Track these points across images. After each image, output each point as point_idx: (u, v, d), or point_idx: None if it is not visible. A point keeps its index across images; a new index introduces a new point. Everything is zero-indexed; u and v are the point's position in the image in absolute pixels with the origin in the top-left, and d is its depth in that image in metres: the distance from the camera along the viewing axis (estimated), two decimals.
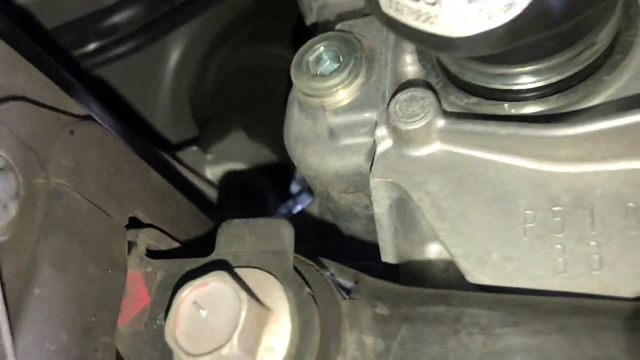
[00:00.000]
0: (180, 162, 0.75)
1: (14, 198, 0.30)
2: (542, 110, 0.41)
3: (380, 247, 0.45)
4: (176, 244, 0.41)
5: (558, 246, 0.36)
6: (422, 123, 0.41)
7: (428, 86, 0.43)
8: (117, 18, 0.86)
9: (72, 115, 0.37)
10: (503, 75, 0.40)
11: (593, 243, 0.36)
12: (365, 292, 0.35)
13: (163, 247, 0.41)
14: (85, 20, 0.83)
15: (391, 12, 0.34)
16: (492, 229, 0.38)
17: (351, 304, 0.34)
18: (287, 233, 0.35)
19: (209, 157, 0.84)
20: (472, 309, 0.32)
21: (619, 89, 0.40)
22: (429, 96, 0.41)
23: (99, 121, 0.40)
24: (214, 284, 0.31)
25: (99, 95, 0.83)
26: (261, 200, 0.85)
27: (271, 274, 0.33)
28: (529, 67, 0.39)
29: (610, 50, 0.41)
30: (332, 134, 0.49)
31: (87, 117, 0.39)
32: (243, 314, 0.29)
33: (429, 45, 0.35)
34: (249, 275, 0.33)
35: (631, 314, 0.31)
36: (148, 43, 0.90)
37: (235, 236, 0.35)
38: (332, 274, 0.37)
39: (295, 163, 0.53)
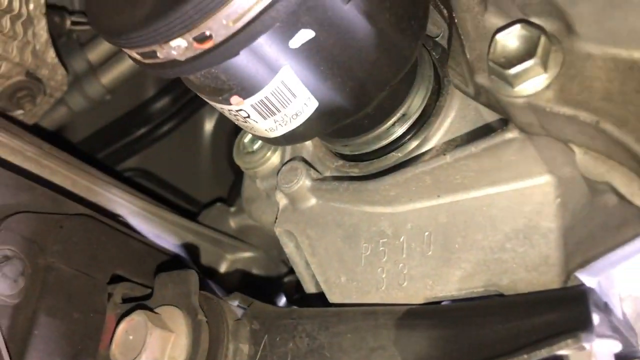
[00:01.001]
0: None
1: (21, 275, 0.51)
2: (382, 166, 0.54)
3: (300, 280, 0.61)
4: (148, 291, 0.61)
5: (379, 269, 0.50)
6: (296, 186, 0.56)
7: (303, 160, 0.59)
8: (158, 105, 1.09)
9: (67, 214, 0.58)
10: (347, 145, 0.55)
11: (402, 264, 0.49)
12: (249, 314, 0.52)
13: (138, 294, 0.60)
14: (131, 113, 1.07)
15: (238, 124, 0.51)
16: (342, 259, 0.53)
17: (236, 323, 0.51)
18: (192, 279, 0.53)
19: (232, 209, 1.01)
20: (303, 319, 0.48)
21: (435, 142, 0.53)
22: (300, 166, 0.57)
23: (93, 215, 0.60)
24: (137, 319, 0.49)
25: (147, 171, 1.06)
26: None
27: (178, 307, 0.51)
28: (360, 139, 0.54)
29: (428, 113, 0.54)
30: (267, 194, 0.66)
31: (79, 214, 0.59)
32: (148, 337, 0.48)
33: (264, 141, 0.51)
34: (164, 310, 0.51)
35: (400, 315, 0.45)
36: (186, 119, 1.12)
37: (163, 284, 0.53)
38: (238, 304, 0.54)
39: (249, 218, 0.70)
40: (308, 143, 0.62)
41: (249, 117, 0.47)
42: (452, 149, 0.46)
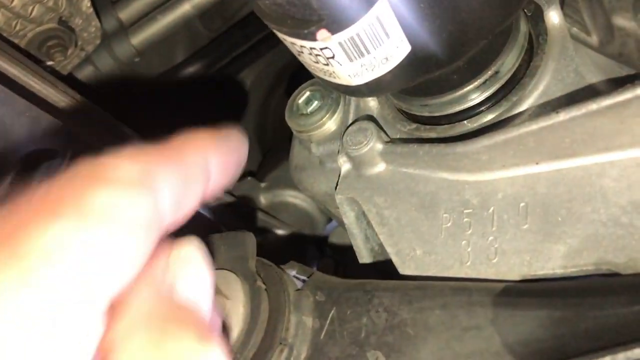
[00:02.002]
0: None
1: None
2: (468, 129, 0.49)
3: (355, 251, 0.55)
4: None
5: (464, 242, 0.45)
6: (365, 149, 0.50)
7: (372, 119, 0.53)
8: (187, 72, 1.03)
9: None
10: (427, 105, 0.49)
11: (491, 238, 0.44)
12: (311, 284, 0.46)
13: None
14: (160, 77, 1.01)
15: (314, 72, 0.45)
16: (417, 230, 0.47)
17: (297, 294, 0.45)
18: (249, 242, 0.47)
19: (263, 185, 0.96)
20: (379, 292, 0.42)
21: (529, 105, 0.47)
22: (370, 126, 0.51)
23: None
24: None
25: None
26: (310, 220, 0.96)
27: (234, 272, 0.45)
28: (444, 97, 0.48)
29: (521, 74, 0.48)
30: (320, 161, 0.60)
31: None
32: None
33: (342, 91, 0.45)
34: (219, 274, 0.45)
35: (499, 292, 0.39)
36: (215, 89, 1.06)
37: (215, 247, 0.48)
38: (295, 274, 0.48)
39: (298, 186, 0.64)
40: (373, 104, 0.56)
41: (333, 57, 0.41)
42: (564, 108, 0.41)
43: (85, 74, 0.91)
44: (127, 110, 0.97)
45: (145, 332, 0.27)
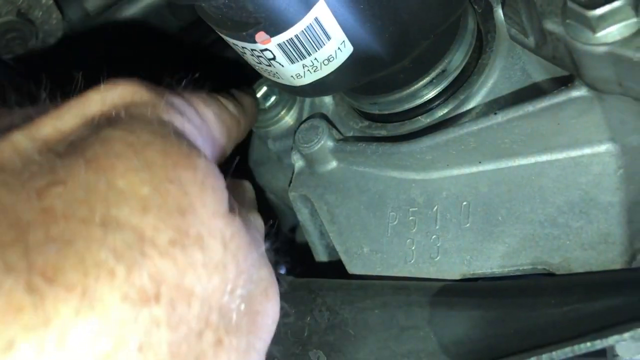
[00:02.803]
0: None
1: None
2: (415, 127, 0.49)
3: (311, 249, 0.56)
4: None
5: (409, 240, 0.45)
6: (316, 147, 0.51)
7: (324, 117, 0.53)
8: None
9: None
10: (376, 103, 0.49)
11: (435, 236, 0.44)
12: None
13: None
14: None
15: (259, 71, 0.45)
16: (365, 228, 0.48)
17: None
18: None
19: None
20: (323, 292, 0.42)
21: (476, 103, 0.48)
22: (322, 124, 0.51)
23: None
24: None
25: None
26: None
27: None
28: (392, 96, 0.48)
29: (469, 71, 0.48)
30: (278, 156, 0.60)
31: None
32: None
33: (287, 91, 0.45)
34: None
35: (437, 291, 0.40)
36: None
37: None
38: None
39: (258, 182, 0.64)
40: (328, 100, 0.56)
41: (274, 59, 0.41)
42: (503, 109, 0.41)
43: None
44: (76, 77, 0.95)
45: None
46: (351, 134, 0.53)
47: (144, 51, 0.95)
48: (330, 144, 0.51)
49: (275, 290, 0.34)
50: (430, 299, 0.39)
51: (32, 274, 0.23)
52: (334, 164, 0.52)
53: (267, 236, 0.38)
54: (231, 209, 0.31)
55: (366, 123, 0.52)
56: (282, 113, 0.59)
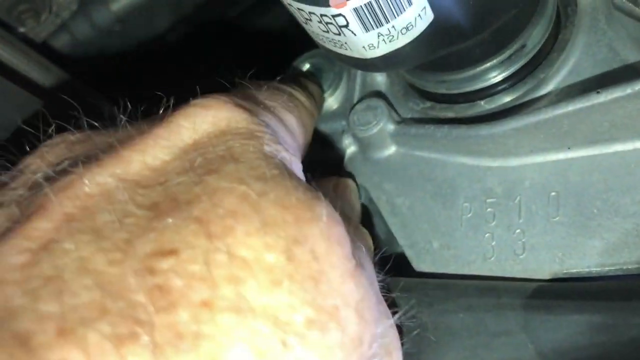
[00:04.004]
0: None
1: None
2: (488, 109, 0.44)
3: None
4: None
5: (488, 235, 0.40)
6: (375, 130, 0.46)
7: (381, 96, 0.48)
8: (171, 39, 0.96)
9: None
10: (444, 82, 0.44)
11: (518, 230, 0.39)
12: None
13: None
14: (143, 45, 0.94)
15: (321, 43, 0.40)
16: (434, 221, 0.43)
17: None
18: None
19: None
20: (395, 292, 0.38)
21: (556, 84, 0.43)
22: (381, 105, 0.46)
23: None
24: None
25: None
26: None
27: None
28: (465, 73, 0.43)
29: (547, 48, 0.43)
30: (322, 142, 0.55)
31: None
32: None
33: (353, 65, 0.40)
34: None
35: (530, 293, 0.35)
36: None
37: None
38: None
39: None
40: (382, 80, 0.51)
41: (347, 26, 0.36)
42: (605, 88, 0.36)
43: (61, 42, 0.84)
44: (107, 80, 0.90)
45: None
46: (410, 115, 0.48)
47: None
48: (390, 126, 0.46)
49: (399, 353, 0.30)
50: (523, 302, 0.34)
51: None
52: (392, 149, 0.47)
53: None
54: (357, 261, 0.27)
55: (429, 104, 0.47)
56: (327, 94, 0.54)
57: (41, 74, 0.60)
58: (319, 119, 0.52)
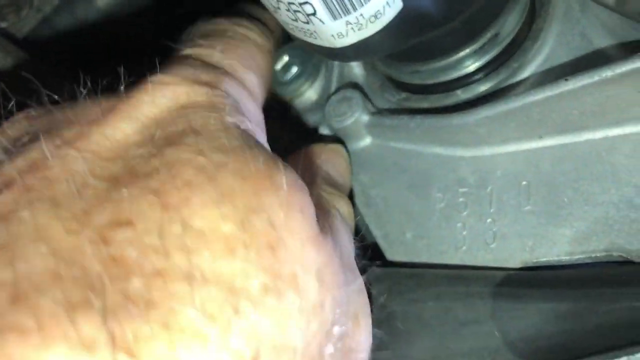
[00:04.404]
0: None
1: None
2: (464, 99, 0.44)
3: None
4: None
5: (459, 224, 0.40)
6: (349, 121, 0.46)
7: (357, 87, 0.48)
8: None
9: None
10: (418, 72, 0.44)
11: (490, 220, 0.39)
12: None
13: None
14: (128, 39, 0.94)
15: (292, 32, 0.40)
16: (408, 211, 0.43)
17: None
18: None
19: None
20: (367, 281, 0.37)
21: (531, 71, 0.43)
22: (356, 96, 0.46)
23: None
24: None
25: None
26: None
27: None
28: (438, 63, 0.43)
29: (521, 37, 0.43)
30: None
31: None
32: None
33: (324, 54, 0.40)
34: None
35: (499, 281, 0.35)
36: None
37: None
38: None
39: None
40: (359, 71, 0.51)
41: (314, 14, 0.36)
42: (574, 75, 0.36)
43: (44, 35, 0.84)
44: (91, 74, 0.90)
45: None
46: (386, 106, 0.48)
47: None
48: (365, 117, 0.46)
49: (368, 320, 0.30)
50: (492, 290, 0.34)
51: (117, 353, 0.19)
52: (368, 140, 0.47)
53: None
54: (321, 227, 0.27)
55: (404, 95, 0.47)
56: (305, 86, 0.54)
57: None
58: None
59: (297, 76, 0.54)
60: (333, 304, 0.26)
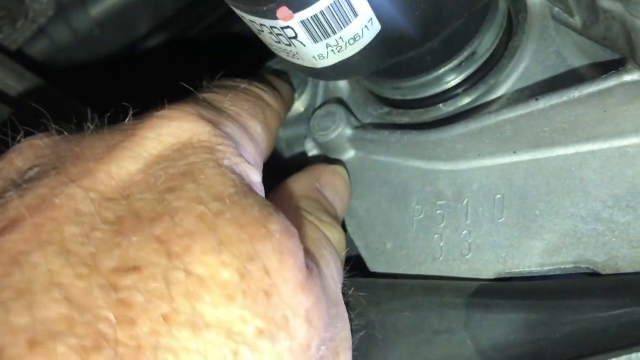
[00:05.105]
0: None
1: None
2: (446, 112, 0.45)
3: None
4: None
5: (437, 235, 0.42)
6: (333, 135, 0.47)
7: (341, 102, 0.50)
8: (150, 44, 0.97)
9: None
10: (399, 88, 0.46)
11: (465, 231, 0.41)
12: None
13: None
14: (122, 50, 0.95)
15: (275, 52, 0.41)
16: (388, 222, 0.44)
17: None
18: None
19: None
20: (345, 291, 0.39)
21: (506, 89, 0.44)
22: (339, 111, 0.48)
23: None
24: None
25: None
26: None
27: None
28: (418, 80, 0.44)
29: (498, 55, 0.45)
30: (288, 144, 0.57)
31: None
32: None
33: (307, 73, 0.42)
34: None
35: (472, 292, 0.36)
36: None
37: None
38: None
39: None
40: (344, 85, 0.52)
41: (295, 37, 0.37)
42: (544, 95, 0.38)
43: (39, 48, 0.85)
44: (87, 86, 0.91)
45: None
46: (369, 120, 0.49)
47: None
48: (348, 131, 0.47)
49: (348, 354, 0.32)
50: (465, 300, 0.36)
51: None
52: (351, 153, 0.48)
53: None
54: (310, 269, 0.29)
55: (386, 109, 0.48)
56: (295, 96, 0.55)
57: (14, 80, 0.61)
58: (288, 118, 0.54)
59: None
60: (319, 343, 0.28)
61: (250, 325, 0.24)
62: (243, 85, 0.41)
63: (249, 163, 0.32)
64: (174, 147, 0.29)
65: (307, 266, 0.29)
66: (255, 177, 0.32)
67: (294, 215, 0.36)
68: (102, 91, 0.90)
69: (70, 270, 0.22)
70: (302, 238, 0.32)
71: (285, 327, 0.26)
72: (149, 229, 0.25)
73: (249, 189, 0.29)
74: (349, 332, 0.33)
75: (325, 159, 0.49)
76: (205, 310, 0.23)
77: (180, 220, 0.25)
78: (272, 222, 0.27)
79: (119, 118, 0.33)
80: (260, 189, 0.32)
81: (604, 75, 0.35)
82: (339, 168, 0.46)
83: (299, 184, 0.42)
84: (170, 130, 0.30)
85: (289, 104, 0.50)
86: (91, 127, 0.31)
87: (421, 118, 0.46)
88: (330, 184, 0.44)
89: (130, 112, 0.31)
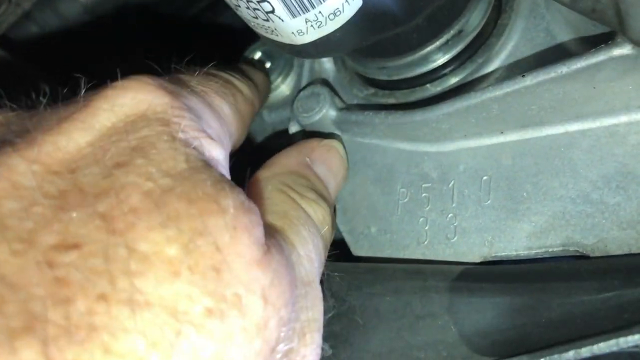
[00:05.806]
0: None
1: None
2: (434, 92, 0.44)
3: None
4: None
5: (422, 219, 0.41)
6: (317, 116, 0.46)
7: (327, 83, 0.48)
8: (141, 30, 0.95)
9: None
10: (385, 68, 0.44)
11: (451, 215, 0.40)
12: None
13: None
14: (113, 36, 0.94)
15: (254, 29, 0.40)
16: (373, 206, 0.43)
17: None
18: None
19: None
20: (327, 276, 0.38)
21: (496, 66, 0.43)
22: (324, 92, 0.46)
23: None
24: None
25: None
26: None
27: None
28: (403, 59, 0.43)
29: (487, 33, 0.43)
30: (274, 128, 0.55)
31: None
32: None
33: (287, 51, 0.40)
34: None
35: (456, 276, 0.35)
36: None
37: None
38: None
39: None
40: (329, 66, 0.51)
41: (273, 12, 0.36)
42: (531, 71, 0.36)
43: (27, 32, 0.84)
44: (78, 72, 0.89)
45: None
46: (355, 102, 0.48)
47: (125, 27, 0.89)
48: (332, 113, 0.46)
49: (316, 335, 0.30)
50: (449, 284, 0.35)
51: None
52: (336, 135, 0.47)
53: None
54: (267, 247, 0.27)
55: (372, 90, 0.47)
56: (278, 81, 0.54)
57: None
58: (267, 106, 0.53)
59: (270, 71, 0.54)
60: (279, 322, 0.26)
61: (197, 303, 0.23)
62: (217, 75, 0.39)
63: (210, 138, 0.31)
64: (129, 119, 0.27)
65: (267, 243, 0.28)
66: (216, 152, 0.31)
67: (270, 190, 0.35)
68: (90, 79, 0.88)
69: (5, 247, 0.21)
70: (268, 214, 0.31)
71: (238, 305, 0.24)
72: (92, 205, 0.23)
73: (204, 164, 0.28)
74: (321, 313, 0.32)
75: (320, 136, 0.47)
76: (146, 288, 0.22)
77: (127, 196, 0.24)
78: (225, 198, 0.26)
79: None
80: (223, 166, 0.30)
81: (593, 50, 0.34)
82: (334, 142, 0.45)
83: (287, 158, 0.40)
84: (125, 101, 0.28)
85: (264, 93, 0.48)
86: (43, 101, 0.29)
87: (408, 99, 0.45)
88: (322, 159, 0.42)
89: (83, 84, 0.29)
